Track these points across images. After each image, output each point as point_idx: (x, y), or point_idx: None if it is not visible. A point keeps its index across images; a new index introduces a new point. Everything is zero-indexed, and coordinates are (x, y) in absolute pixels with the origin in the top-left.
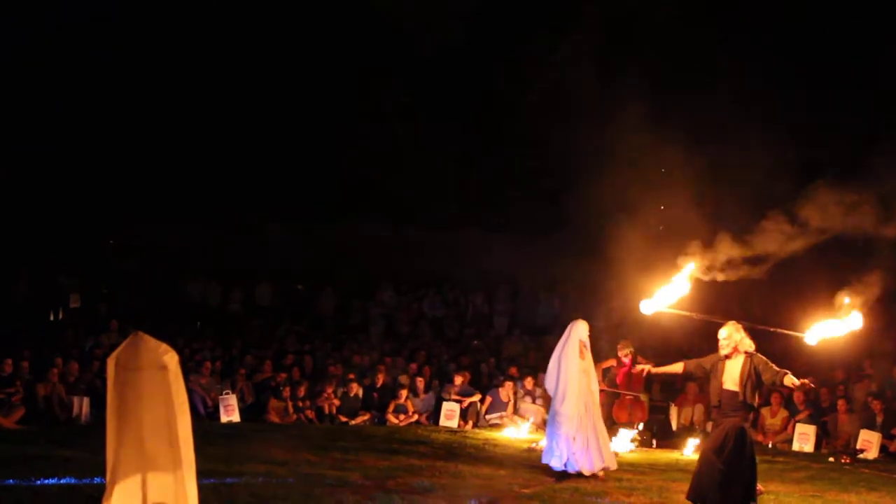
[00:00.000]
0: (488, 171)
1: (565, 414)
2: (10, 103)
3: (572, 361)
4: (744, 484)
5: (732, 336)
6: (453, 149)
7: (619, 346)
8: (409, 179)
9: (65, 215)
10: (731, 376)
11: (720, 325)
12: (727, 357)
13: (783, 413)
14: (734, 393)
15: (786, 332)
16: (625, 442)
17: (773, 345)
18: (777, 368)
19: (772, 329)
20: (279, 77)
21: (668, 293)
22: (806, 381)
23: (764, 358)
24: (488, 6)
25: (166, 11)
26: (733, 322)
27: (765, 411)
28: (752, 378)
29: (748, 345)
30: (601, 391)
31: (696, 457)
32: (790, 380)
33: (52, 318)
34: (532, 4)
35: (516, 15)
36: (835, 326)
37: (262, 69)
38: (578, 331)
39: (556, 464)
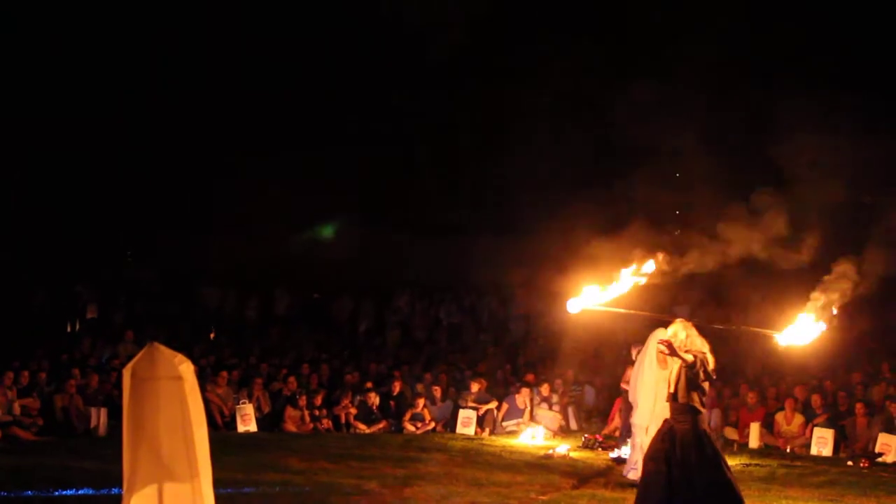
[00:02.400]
0: (502, 175)
1: (637, 424)
2: (29, 113)
3: (648, 370)
4: (718, 493)
5: (678, 335)
6: (468, 152)
7: (633, 349)
8: (424, 184)
9: (82, 226)
10: (672, 377)
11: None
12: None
13: (799, 418)
14: (672, 394)
15: (752, 329)
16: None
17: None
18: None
19: (733, 327)
20: (292, 84)
21: (600, 291)
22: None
23: (703, 359)
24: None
25: (187, 21)
26: (680, 320)
27: (779, 417)
28: (685, 377)
29: (699, 345)
30: (619, 396)
31: None
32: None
33: (69, 328)
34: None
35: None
36: (807, 328)
37: (273, 78)
38: (658, 339)
39: (634, 476)
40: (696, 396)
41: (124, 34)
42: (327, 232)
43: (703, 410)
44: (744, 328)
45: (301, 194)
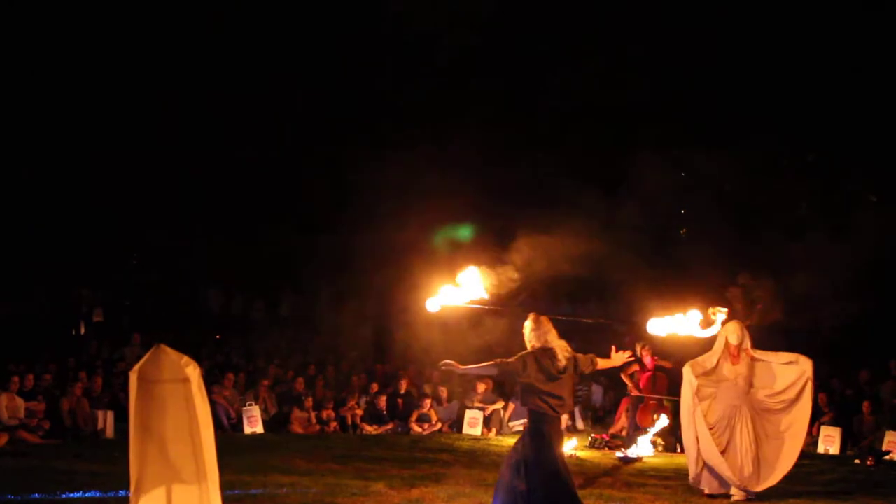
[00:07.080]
0: (505, 177)
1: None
2: (32, 116)
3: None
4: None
5: (526, 331)
6: (470, 155)
7: (640, 349)
8: (426, 187)
9: (87, 228)
10: None
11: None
12: None
13: None
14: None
15: (605, 322)
16: (649, 446)
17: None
18: (580, 356)
19: (586, 320)
20: (299, 89)
21: (460, 289)
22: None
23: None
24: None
25: (191, 22)
26: (532, 314)
27: None
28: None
29: (551, 340)
30: (626, 396)
31: None
32: (604, 362)
33: (75, 331)
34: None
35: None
36: (682, 324)
37: (280, 84)
38: (727, 333)
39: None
40: (536, 400)
41: (129, 36)
42: (465, 234)
43: (553, 413)
44: (602, 320)
45: (306, 196)
